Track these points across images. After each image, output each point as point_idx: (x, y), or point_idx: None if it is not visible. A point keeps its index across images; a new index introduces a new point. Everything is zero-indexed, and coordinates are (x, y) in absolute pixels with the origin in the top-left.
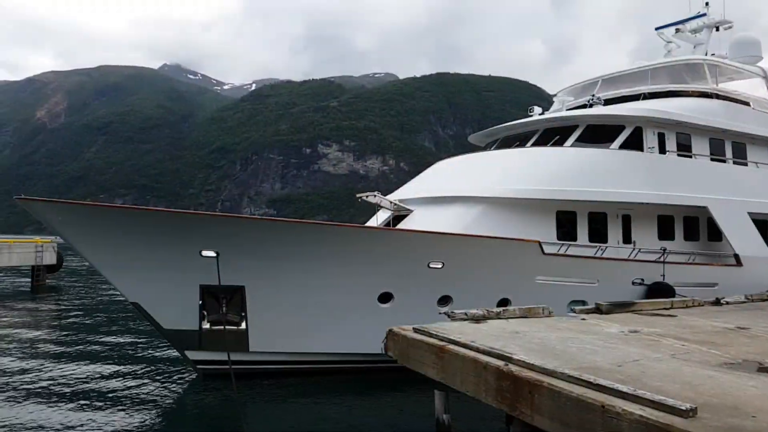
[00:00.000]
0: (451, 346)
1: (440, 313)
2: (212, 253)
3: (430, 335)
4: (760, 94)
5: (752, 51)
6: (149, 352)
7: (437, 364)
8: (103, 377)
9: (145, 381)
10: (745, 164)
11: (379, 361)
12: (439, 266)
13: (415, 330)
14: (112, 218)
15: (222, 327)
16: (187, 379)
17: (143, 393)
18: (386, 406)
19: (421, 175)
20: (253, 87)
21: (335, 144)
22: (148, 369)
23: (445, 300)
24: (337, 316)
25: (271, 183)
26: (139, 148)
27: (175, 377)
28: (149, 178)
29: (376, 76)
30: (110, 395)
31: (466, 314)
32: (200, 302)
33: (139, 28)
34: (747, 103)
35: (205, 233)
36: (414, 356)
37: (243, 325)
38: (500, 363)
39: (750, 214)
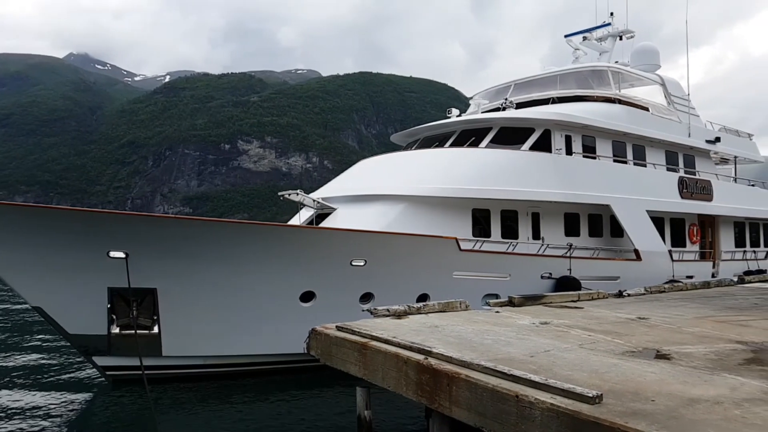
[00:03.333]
0: (374, 343)
1: (363, 311)
2: (121, 254)
3: (353, 332)
4: (658, 100)
5: (652, 60)
6: (53, 359)
7: (360, 361)
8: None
9: (50, 390)
10: (644, 165)
11: (301, 361)
12: (362, 264)
13: (338, 328)
14: (11, 217)
15: (133, 331)
16: (95, 386)
17: (47, 403)
18: (308, 406)
19: (345, 173)
20: (167, 79)
21: (256, 140)
22: (53, 377)
23: (367, 297)
24: (257, 316)
25: (187, 180)
26: (43, 142)
27: (82, 385)
28: (53, 173)
29: (299, 72)
30: (9, 407)
31: (388, 310)
32: (109, 306)
33: (44, 15)
34: (646, 109)
35: (113, 233)
36: (337, 354)
37: (155, 329)
38: (420, 357)
39: (648, 212)
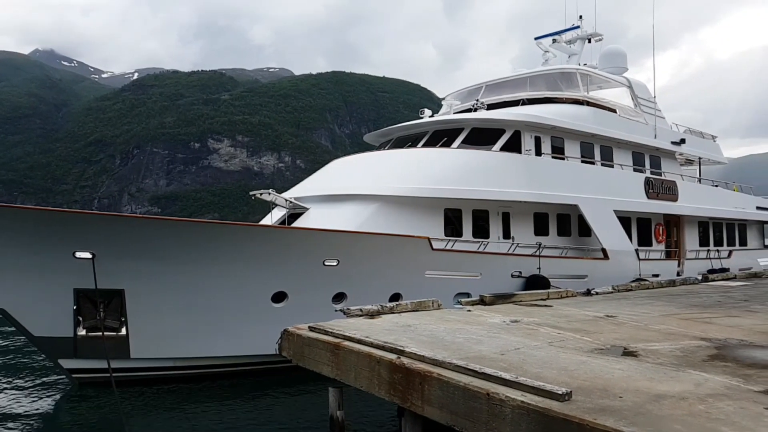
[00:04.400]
0: (347, 343)
1: (336, 311)
2: (87, 255)
3: (326, 332)
4: (625, 102)
5: (619, 62)
6: (18, 361)
7: (333, 361)
8: None
9: (14, 393)
10: (612, 166)
11: (273, 362)
12: (335, 264)
13: (311, 328)
14: None
15: (100, 333)
16: (61, 389)
17: (11, 407)
18: (280, 407)
19: (318, 172)
20: (136, 76)
21: (227, 139)
22: (17, 380)
23: (339, 297)
24: (228, 318)
25: (155, 179)
26: (6, 140)
27: (48, 388)
28: (17, 172)
29: (271, 70)
30: None
31: (361, 310)
32: (75, 307)
33: (9, 11)
34: (614, 110)
35: (79, 233)
36: (309, 355)
37: (123, 331)
38: (393, 356)
39: (615, 211)
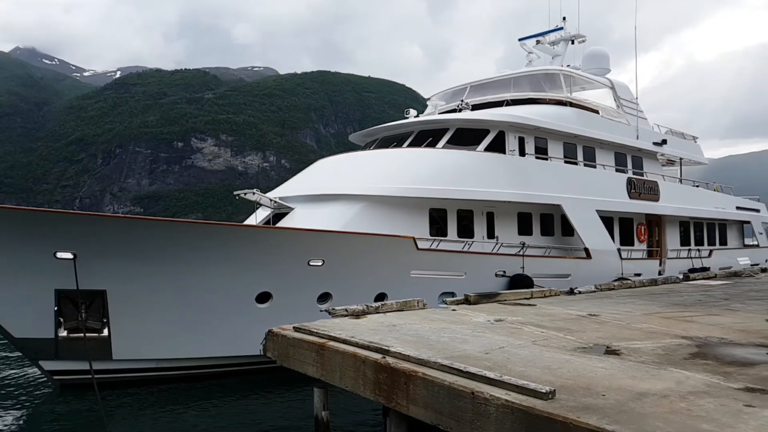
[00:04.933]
0: (332, 343)
1: (321, 311)
2: (69, 255)
3: (311, 333)
4: (607, 103)
5: (602, 64)
6: None
7: (318, 362)
8: None
9: None
10: (594, 166)
11: (257, 363)
12: (320, 264)
13: (296, 329)
14: None
15: (81, 334)
16: (42, 391)
17: None
18: (264, 408)
19: (303, 172)
20: (118, 75)
21: (211, 138)
22: None
23: (325, 297)
24: (212, 318)
25: (138, 179)
26: None
27: (29, 390)
28: None
29: (256, 69)
30: None
31: (346, 310)
32: (56, 308)
33: None
34: (596, 111)
35: (60, 233)
36: (294, 355)
37: (105, 332)
38: (378, 356)
39: (598, 211)
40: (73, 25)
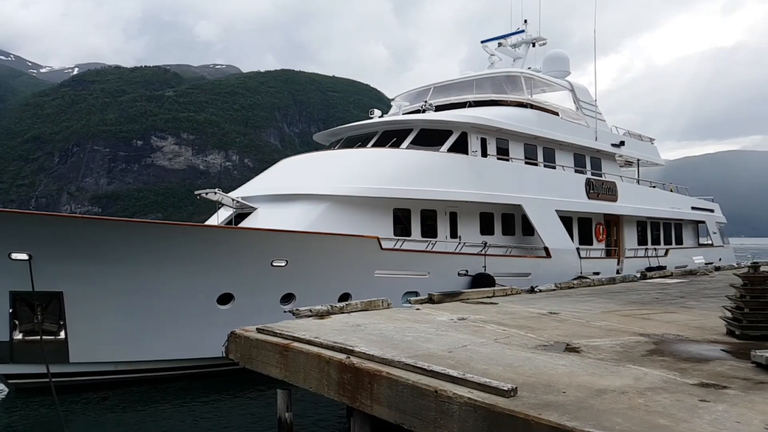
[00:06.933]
0: (296, 344)
1: (285, 311)
2: (24, 256)
3: (275, 334)
4: (567, 105)
5: (562, 66)
6: None
7: (281, 363)
8: None
9: None
10: (554, 167)
11: (219, 365)
12: (283, 264)
13: (259, 330)
14: None
15: (37, 337)
16: None
17: None
18: (227, 411)
19: (266, 172)
20: (76, 71)
21: (171, 137)
22: None
23: (288, 298)
24: (172, 320)
25: (96, 178)
26: None
27: None
28: None
29: (218, 67)
30: None
31: (310, 311)
32: (11, 310)
33: None
34: (556, 113)
35: (14, 233)
36: (257, 357)
37: (62, 335)
38: (342, 356)
39: (557, 211)
40: (29, 20)
